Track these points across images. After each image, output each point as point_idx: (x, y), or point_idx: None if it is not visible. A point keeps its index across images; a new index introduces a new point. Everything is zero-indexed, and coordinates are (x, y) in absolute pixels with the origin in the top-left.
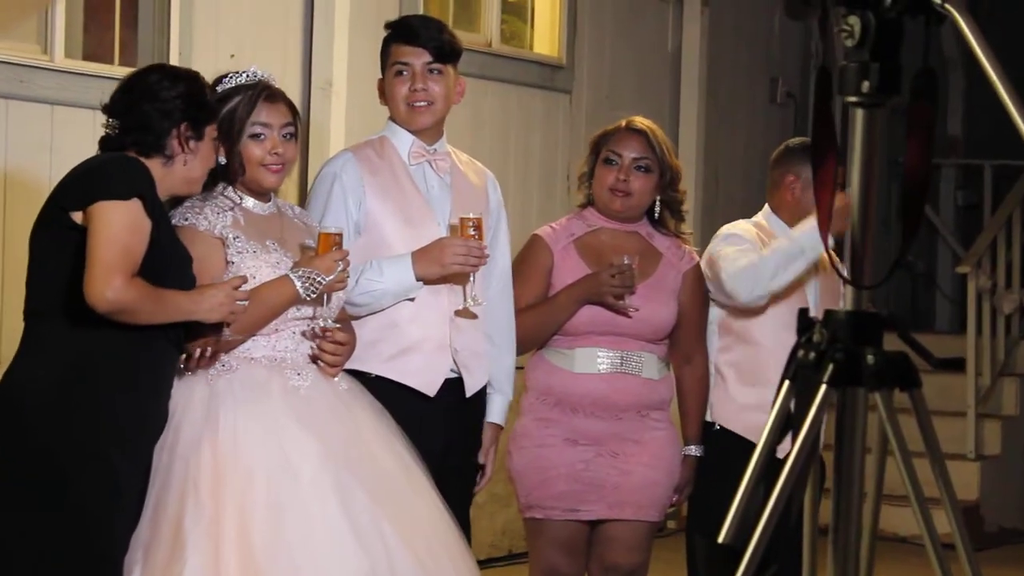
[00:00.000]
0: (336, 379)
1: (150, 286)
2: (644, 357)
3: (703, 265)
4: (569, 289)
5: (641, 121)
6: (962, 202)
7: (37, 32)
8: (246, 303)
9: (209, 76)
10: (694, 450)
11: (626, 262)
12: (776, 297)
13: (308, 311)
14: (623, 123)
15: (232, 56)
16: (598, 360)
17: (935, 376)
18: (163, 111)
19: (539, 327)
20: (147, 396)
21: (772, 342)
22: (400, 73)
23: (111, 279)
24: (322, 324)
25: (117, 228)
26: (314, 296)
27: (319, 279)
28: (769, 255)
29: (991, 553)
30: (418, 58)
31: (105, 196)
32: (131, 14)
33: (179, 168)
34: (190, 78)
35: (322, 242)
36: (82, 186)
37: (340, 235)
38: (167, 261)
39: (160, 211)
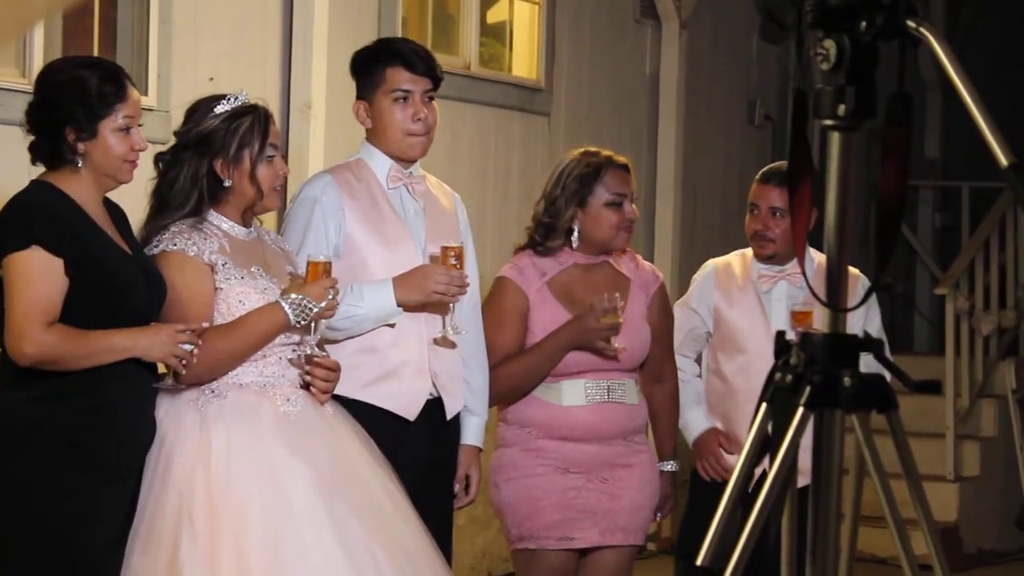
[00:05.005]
0: (323, 404)
1: (72, 330)
2: (626, 384)
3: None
4: (554, 337)
5: (616, 155)
6: (940, 224)
7: (15, 56)
8: (191, 347)
9: (187, 100)
10: (669, 466)
11: (609, 303)
12: (747, 345)
13: (295, 336)
14: (606, 158)
15: (211, 79)
16: (585, 392)
17: (914, 398)
18: (52, 120)
19: (527, 377)
20: (121, 420)
21: (745, 387)
22: (403, 100)
23: (25, 333)
24: (307, 351)
25: (23, 281)
26: (304, 323)
27: (310, 306)
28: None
29: (970, 574)
30: (419, 86)
31: (6, 250)
32: (109, 38)
33: (89, 168)
34: (70, 78)
35: (311, 270)
36: None
37: (329, 263)
38: (102, 283)
39: (82, 233)
